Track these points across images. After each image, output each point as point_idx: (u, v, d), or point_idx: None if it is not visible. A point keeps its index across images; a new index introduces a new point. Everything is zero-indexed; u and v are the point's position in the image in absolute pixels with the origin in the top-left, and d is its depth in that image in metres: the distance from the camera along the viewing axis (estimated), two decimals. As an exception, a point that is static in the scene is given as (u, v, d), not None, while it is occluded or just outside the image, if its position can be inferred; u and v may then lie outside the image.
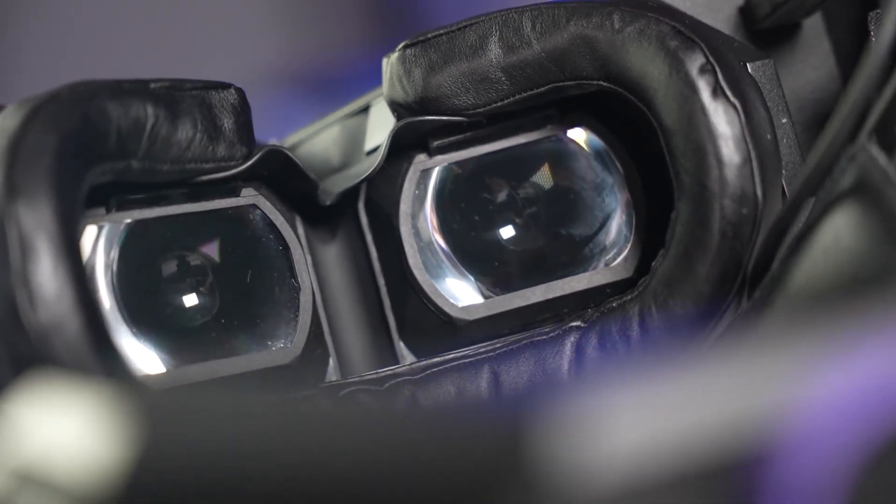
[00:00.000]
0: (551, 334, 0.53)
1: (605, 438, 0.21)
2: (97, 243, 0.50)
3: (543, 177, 0.57)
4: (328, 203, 0.55)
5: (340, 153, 0.61)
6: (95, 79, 0.49)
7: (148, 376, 0.50)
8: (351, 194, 0.56)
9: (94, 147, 0.46)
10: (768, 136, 0.49)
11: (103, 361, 0.42)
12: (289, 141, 0.64)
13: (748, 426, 0.20)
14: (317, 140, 0.62)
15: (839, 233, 0.43)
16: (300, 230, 0.56)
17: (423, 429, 0.23)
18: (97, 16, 1.29)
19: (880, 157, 0.42)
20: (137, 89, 0.49)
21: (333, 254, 0.57)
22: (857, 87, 0.42)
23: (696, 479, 0.20)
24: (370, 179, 0.56)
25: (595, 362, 0.51)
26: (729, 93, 0.48)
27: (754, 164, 0.48)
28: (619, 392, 0.22)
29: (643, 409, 0.21)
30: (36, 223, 0.43)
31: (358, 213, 0.57)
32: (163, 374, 0.50)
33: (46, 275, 0.42)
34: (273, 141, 0.65)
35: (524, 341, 0.54)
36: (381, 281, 0.56)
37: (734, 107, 0.48)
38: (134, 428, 0.23)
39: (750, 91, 0.50)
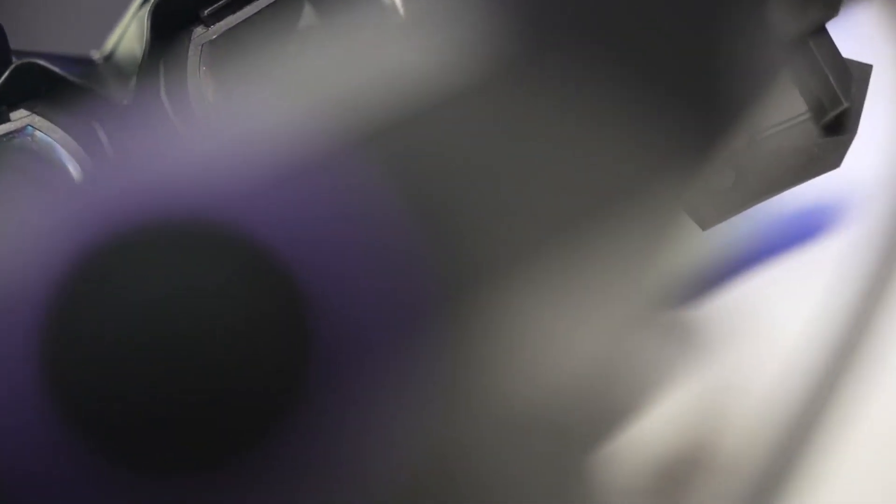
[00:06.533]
0: None
1: None
2: None
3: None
4: (125, 103, 0.51)
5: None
6: None
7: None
8: (147, 89, 0.51)
9: None
10: None
11: None
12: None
13: None
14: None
15: None
16: (106, 139, 0.52)
17: None
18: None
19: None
20: None
21: None
22: None
23: None
24: (166, 67, 0.51)
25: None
26: None
27: None
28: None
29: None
30: None
31: (164, 106, 0.52)
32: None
33: None
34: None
35: None
36: None
37: None
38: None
39: None
